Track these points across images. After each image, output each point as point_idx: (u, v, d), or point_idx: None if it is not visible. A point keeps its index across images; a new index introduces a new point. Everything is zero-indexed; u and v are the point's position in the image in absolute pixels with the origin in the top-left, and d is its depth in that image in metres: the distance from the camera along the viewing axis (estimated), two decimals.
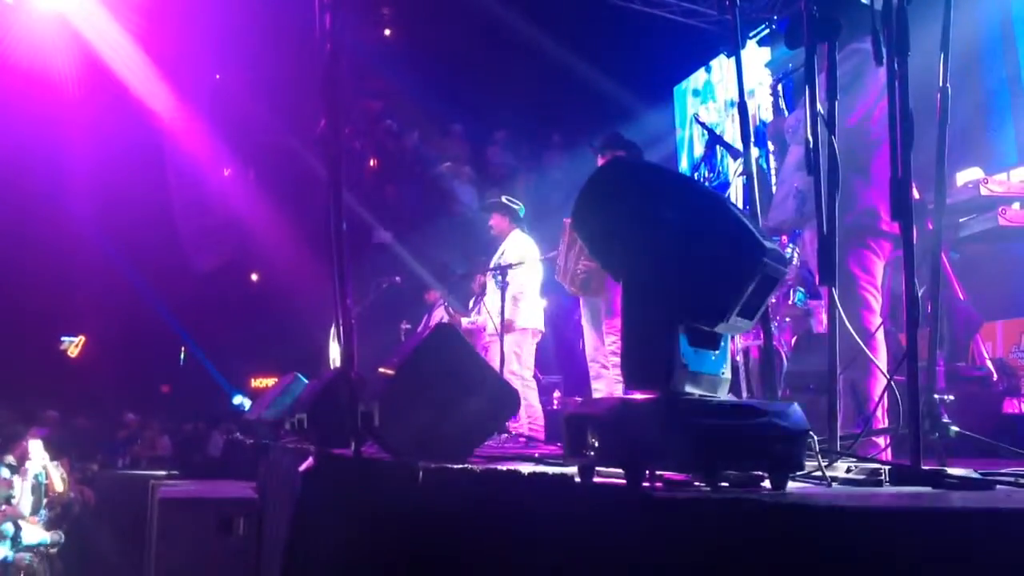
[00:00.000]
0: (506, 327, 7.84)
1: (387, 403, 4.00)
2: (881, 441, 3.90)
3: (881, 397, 3.87)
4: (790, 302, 7.34)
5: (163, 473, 7.33)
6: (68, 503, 9.55)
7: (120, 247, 13.17)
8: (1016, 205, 6.26)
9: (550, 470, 2.56)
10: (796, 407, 2.32)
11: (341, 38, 4.40)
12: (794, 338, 7.09)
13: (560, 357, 12.13)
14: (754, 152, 4.79)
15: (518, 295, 7.97)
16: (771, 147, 5.26)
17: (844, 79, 4.01)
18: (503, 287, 7.73)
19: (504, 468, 2.80)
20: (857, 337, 3.84)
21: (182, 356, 15.26)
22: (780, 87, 5.05)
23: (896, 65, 3.06)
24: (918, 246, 4.18)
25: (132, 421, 13.19)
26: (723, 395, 2.68)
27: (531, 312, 8.04)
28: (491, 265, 8.37)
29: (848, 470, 2.70)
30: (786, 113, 4.75)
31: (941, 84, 3.30)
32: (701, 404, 2.27)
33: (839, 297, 3.35)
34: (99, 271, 13.18)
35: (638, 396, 2.37)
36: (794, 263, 7.32)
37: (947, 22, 3.30)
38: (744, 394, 7.11)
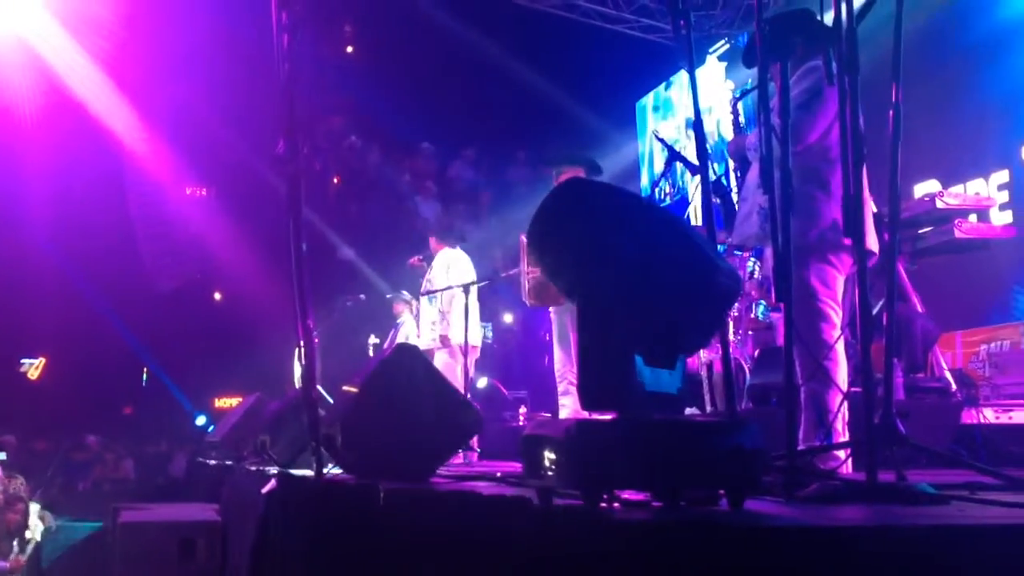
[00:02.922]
0: (442, 343, 8.05)
1: (348, 424, 3.99)
2: (841, 454, 3.93)
3: (839, 409, 3.90)
4: (752, 315, 7.39)
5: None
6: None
7: (81, 268, 13.03)
8: (972, 217, 6.36)
9: (509, 492, 2.56)
10: (754, 425, 2.33)
11: (300, 58, 4.39)
12: (756, 351, 7.13)
13: (527, 373, 12.14)
14: (716, 168, 4.84)
15: (446, 311, 8.06)
16: (731, 164, 5.30)
17: (802, 97, 4.06)
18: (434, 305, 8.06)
19: (464, 489, 2.79)
20: (814, 351, 3.89)
21: (144, 377, 15.10)
22: (740, 105, 5.08)
23: (847, 83, 3.11)
24: (879, 259, 4.24)
25: (94, 443, 13.03)
26: (681, 413, 2.70)
27: (460, 329, 8.01)
28: (423, 283, 8.52)
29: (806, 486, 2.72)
30: (748, 131, 4.79)
31: (893, 101, 3.34)
32: (658, 425, 2.28)
33: (800, 311, 3.38)
34: (59, 292, 13.02)
35: (596, 417, 2.37)
36: (756, 277, 7.37)
37: (898, 39, 3.34)
38: (708, 407, 7.14)
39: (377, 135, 15.99)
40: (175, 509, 6.29)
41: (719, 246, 6.23)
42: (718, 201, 5.77)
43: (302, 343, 4.05)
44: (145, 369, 15.07)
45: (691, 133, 3.64)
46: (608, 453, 2.15)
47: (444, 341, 8.06)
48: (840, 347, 4.17)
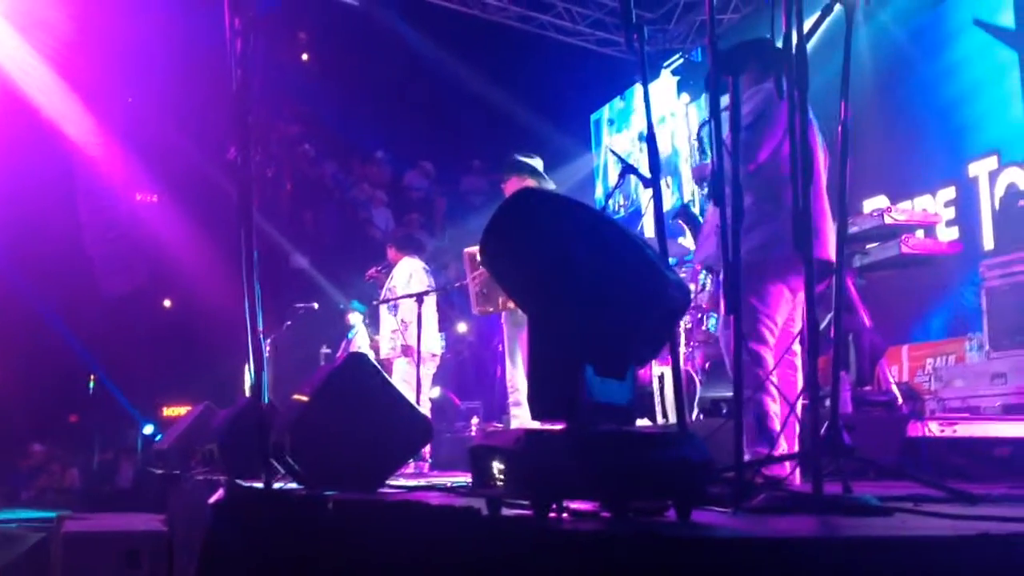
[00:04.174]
0: (402, 352, 8.06)
1: (298, 433, 3.96)
2: (788, 465, 3.97)
3: (785, 422, 3.94)
4: (704, 328, 7.45)
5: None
6: None
7: (26, 272, 12.80)
8: (919, 233, 6.46)
9: (458, 502, 2.56)
10: (700, 437, 2.35)
11: (253, 64, 4.36)
12: (707, 363, 7.19)
13: (479, 383, 12.13)
14: (669, 182, 4.87)
15: (408, 321, 8.06)
16: (698, 190, 5.38)
17: (749, 117, 4.11)
18: (395, 314, 8.07)
19: (413, 500, 2.78)
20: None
21: (91, 384, 14.85)
22: (704, 132, 5.13)
23: (796, 99, 3.15)
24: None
25: (38, 452, 12.80)
26: (631, 424, 2.71)
27: (422, 338, 8.02)
28: (383, 292, 8.52)
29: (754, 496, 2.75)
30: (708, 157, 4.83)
31: (842, 118, 3.39)
32: (607, 436, 2.29)
33: (742, 324, 3.41)
34: (3, 297, 12.78)
35: (545, 428, 2.38)
36: (708, 290, 7.43)
37: (847, 55, 3.39)
38: (659, 419, 7.19)
39: (331, 143, 15.92)
40: (121, 519, 6.20)
41: (671, 259, 6.31)
42: (683, 223, 5.83)
43: (252, 352, 4.01)
44: (92, 376, 14.82)
45: (644, 146, 3.67)
46: (557, 464, 2.16)
47: (407, 351, 8.04)
48: (797, 362, 4.23)
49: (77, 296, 13.30)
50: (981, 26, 8.09)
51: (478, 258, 6.84)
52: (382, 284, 8.80)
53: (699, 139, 5.10)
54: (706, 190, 4.84)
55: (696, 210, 5.33)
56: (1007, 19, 8.13)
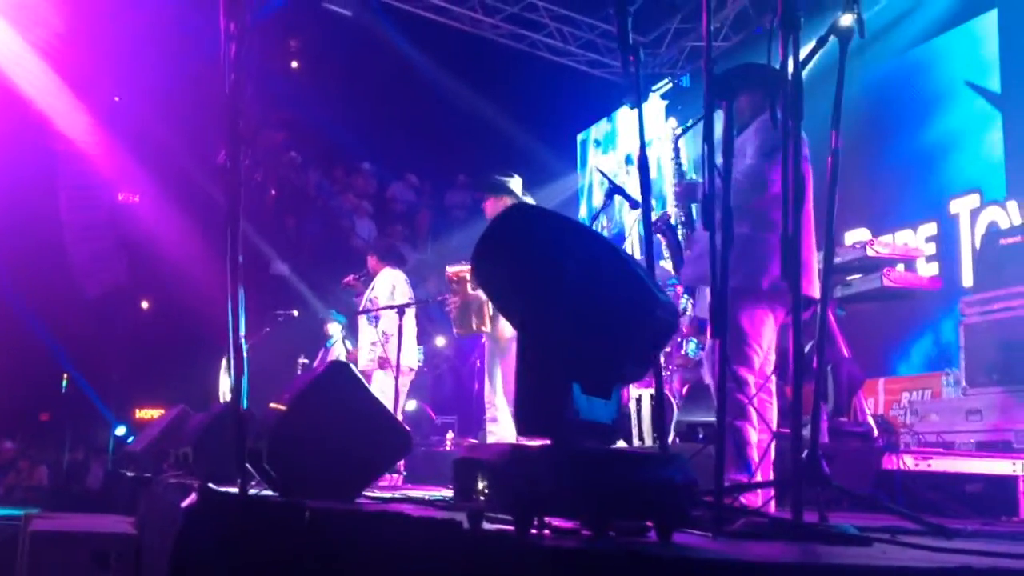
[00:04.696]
0: (380, 364, 8.00)
1: (276, 440, 3.94)
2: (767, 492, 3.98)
3: (766, 450, 3.95)
4: (682, 352, 7.46)
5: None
6: None
7: (3, 267, 12.69)
8: (900, 267, 6.51)
9: (439, 514, 2.55)
10: (684, 459, 2.35)
11: (246, 69, 4.35)
12: (685, 388, 7.20)
13: (456, 398, 12.11)
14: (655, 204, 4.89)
15: (390, 333, 8.04)
16: (674, 209, 5.38)
17: (767, 145, 4.12)
18: (375, 325, 8.06)
19: (393, 511, 2.77)
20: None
21: (64, 383, 14.72)
22: (682, 143, 5.15)
23: (790, 128, 3.18)
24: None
25: (8, 449, 12.68)
26: (613, 443, 2.71)
27: (403, 350, 7.99)
28: (362, 303, 8.48)
29: (733, 521, 2.75)
30: (687, 170, 4.85)
31: (832, 148, 3.41)
32: (591, 454, 2.29)
33: (727, 349, 3.42)
34: None
35: (530, 443, 2.37)
36: (688, 314, 7.44)
37: (840, 86, 3.42)
38: (636, 441, 7.18)
39: (317, 151, 15.90)
40: (89, 520, 6.14)
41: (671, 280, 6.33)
42: (661, 239, 5.84)
43: (233, 356, 3.99)
44: (65, 375, 14.69)
45: (631, 168, 3.69)
46: (540, 479, 2.15)
47: (385, 363, 8.02)
48: (772, 388, 4.24)
49: (54, 294, 13.19)
50: (972, 87, 8.23)
51: (455, 280, 6.87)
52: (359, 292, 8.76)
53: (675, 150, 5.11)
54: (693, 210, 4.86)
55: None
56: (993, 79, 8.26)
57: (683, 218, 5.05)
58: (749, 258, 3.99)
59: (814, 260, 4.25)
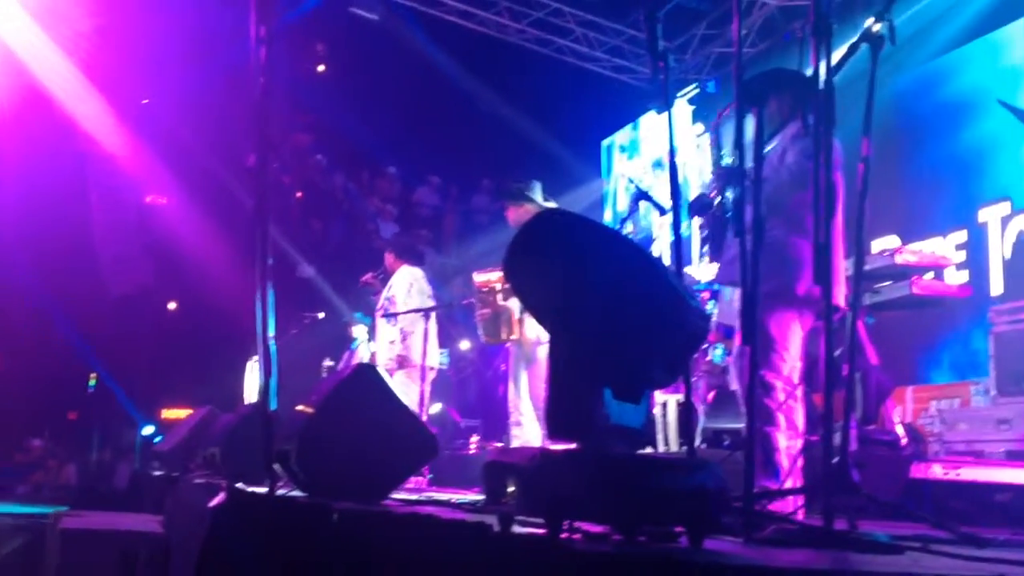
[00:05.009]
0: (399, 363, 7.95)
1: (305, 441, 3.96)
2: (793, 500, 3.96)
3: (796, 456, 3.94)
4: (708, 358, 7.44)
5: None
6: None
7: (33, 267, 12.80)
8: (929, 275, 6.46)
9: (469, 517, 2.55)
10: (716, 465, 2.35)
11: (275, 73, 4.38)
12: (711, 394, 7.18)
13: (481, 401, 12.11)
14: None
15: (408, 332, 8.02)
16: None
17: (812, 148, 4.11)
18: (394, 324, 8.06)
19: (422, 513, 2.78)
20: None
21: (92, 382, 14.84)
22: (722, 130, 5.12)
23: (821, 135, 3.17)
24: (841, 311, 4.30)
25: (36, 448, 12.78)
26: (642, 448, 2.71)
27: (421, 351, 7.96)
28: (380, 301, 8.42)
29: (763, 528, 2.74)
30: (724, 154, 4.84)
31: (863, 155, 3.40)
32: (622, 459, 2.29)
33: (758, 355, 3.42)
34: (9, 291, 12.78)
35: (560, 447, 2.38)
36: (714, 320, 7.43)
37: (871, 92, 3.41)
38: (661, 447, 7.17)
39: (343, 155, 15.96)
40: (117, 519, 6.18)
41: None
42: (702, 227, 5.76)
43: (262, 358, 4.02)
44: (93, 375, 14.80)
45: (659, 173, 3.69)
46: (572, 484, 2.16)
47: (403, 362, 8.00)
48: (798, 394, 4.23)
49: (83, 294, 13.30)
50: (1004, 106, 8.17)
51: (485, 290, 6.85)
52: (377, 291, 8.72)
53: (715, 134, 5.07)
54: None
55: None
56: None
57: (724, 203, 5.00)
58: (783, 263, 3.98)
59: (842, 268, 4.23)
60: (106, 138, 13.13)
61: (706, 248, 5.88)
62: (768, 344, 4.04)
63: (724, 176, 4.76)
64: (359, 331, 10.58)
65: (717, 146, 4.86)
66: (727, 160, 4.69)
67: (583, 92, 13.75)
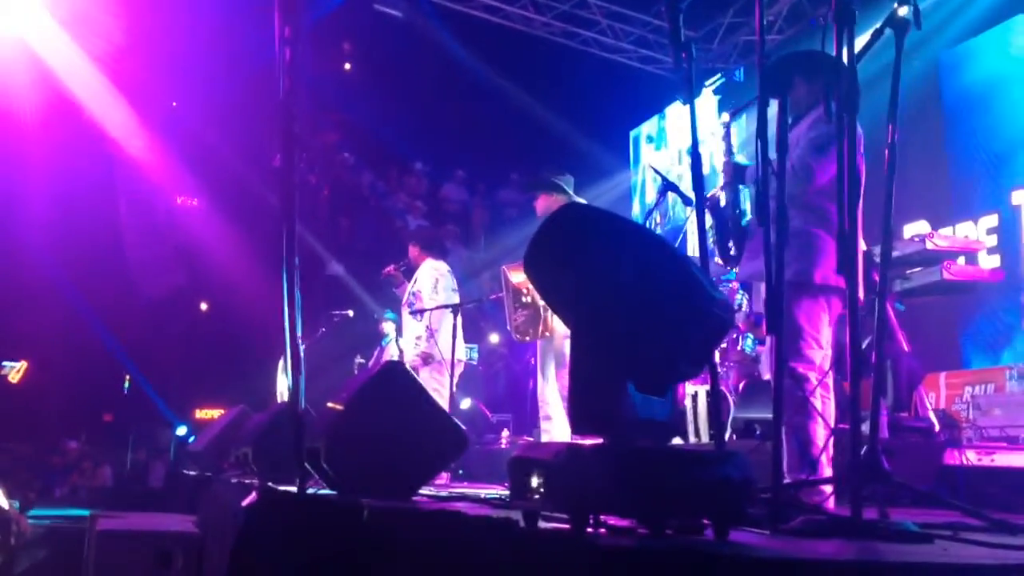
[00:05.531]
0: (424, 359, 7.94)
1: (334, 440, 3.98)
2: (827, 488, 3.94)
3: (825, 445, 3.91)
4: (739, 348, 7.41)
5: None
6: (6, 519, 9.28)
7: (67, 272, 12.94)
8: (961, 260, 6.40)
9: (495, 513, 2.56)
10: (742, 456, 2.34)
11: (300, 73, 4.40)
12: (742, 383, 7.15)
13: (511, 396, 12.12)
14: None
15: (434, 328, 7.99)
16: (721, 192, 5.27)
17: (820, 140, 4.08)
18: (420, 319, 7.96)
19: (449, 509, 2.79)
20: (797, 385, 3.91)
21: (126, 384, 15.00)
22: (734, 128, 5.09)
23: (844, 122, 3.14)
24: (867, 297, 4.27)
25: (73, 449, 12.94)
26: (669, 441, 2.70)
27: (448, 347, 7.94)
28: (405, 296, 8.41)
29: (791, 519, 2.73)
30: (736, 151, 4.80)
31: (889, 141, 3.37)
32: (647, 452, 2.29)
33: (785, 346, 3.40)
34: (43, 295, 12.94)
35: (585, 442, 2.37)
36: (743, 310, 7.40)
37: (896, 80, 3.38)
38: (692, 438, 7.15)
39: (370, 152, 16.01)
40: (153, 519, 6.24)
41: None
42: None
43: (291, 357, 4.04)
44: (127, 376, 14.96)
45: (686, 163, 3.67)
46: (596, 478, 2.15)
47: (430, 358, 7.99)
48: (828, 383, 4.19)
49: (115, 297, 13.44)
50: None
51: (525, 291, 6.82)
52: (400, 283, 8.69)
53: (727, 132, 5.04)
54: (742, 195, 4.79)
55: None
56: None
57: (732, 200, 4.96)
58: (800, 252, 3.96)
59: (859, 256, 4.18)
60: (134, 142, 13.25)
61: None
62: (795, 333, 4.01)
63: (729, 173, 4.74)
64: (389, 328, 10.60)
65: (728, 142, 4.84)
66: (738, 158, 4.67)
67: (610, 83, 13.72)
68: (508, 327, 7.10)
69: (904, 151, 3.39)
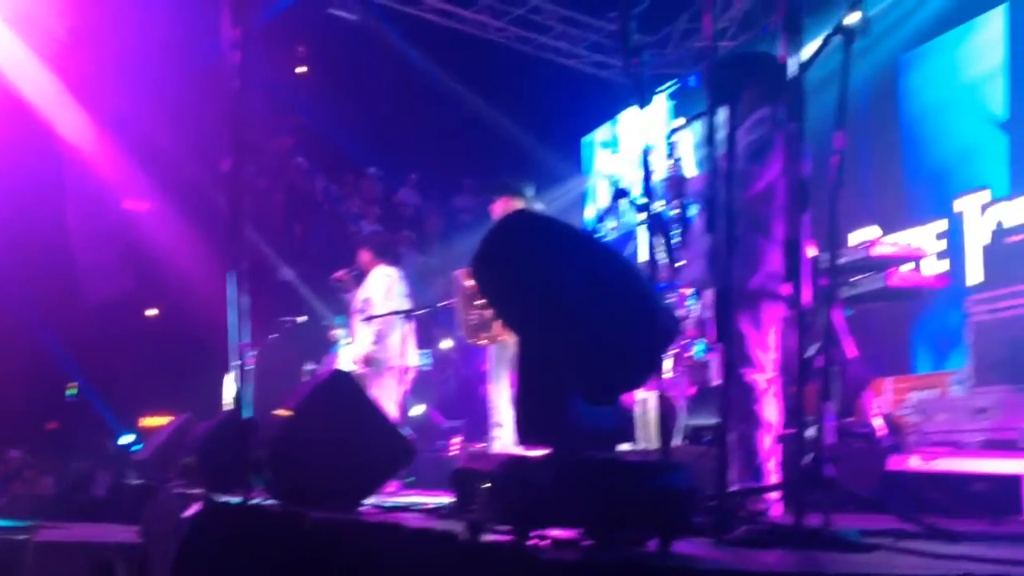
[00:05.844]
0: (366, 362, 7.95)
1: (279, 449, 3.94)
2: (774, 495, 3.95)
3: (771, 452, 3.93)
4: (689, 354, 7.43)
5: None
6: None
7: (9, 274, 12.71)
8: (906, 266, 6.47)
9: (439, 524, 2.53)
10: (686, 466, 2.33)
11: (251, 76, 4.35)
12: (692, 390, 7.17)
13: (463, 402, 12.07)
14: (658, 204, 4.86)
15: (385, 334, 7.95)
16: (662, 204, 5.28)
17: (753, 147, 4.10)
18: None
19: (393, 520, 2.76)
20: (743, 393, 3.93)
21: (71, 391, 14.75)
22: (676, 138, 5.12)
23: (793, 130, 3.16)
24: (813, 304, 4.30)
25: (15, 458, 12.67)
26: (616, 450, 2.69)
27: (398, 353, 7.90)
28: (356, 302, 8.33)
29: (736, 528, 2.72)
30: (687, 169, 4.83)
31: (837, 149, 3.39)
32: (591, 463, 2.27)
33: (731, 354, 3.41)
34: None
35: (531, 452, 2.36)
36: (693, 316, 7.42)
37: (844, 85, 3.40)
38: (642, 444, 7.16)
39: (325, 157, 15.90)
40: (95, 529, 6.13)
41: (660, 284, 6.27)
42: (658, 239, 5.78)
43: (237, 364, 3.99)
44: (72, 383, 14.71)
45: (638, 170, 3.67)
46: (540, 490, 2.14)
47: (381, 364, 7.93)
48: (772, 391, 4.22)
49: (60, 301, 13.21)
50: (979, 83, 8.21)
51: (469, 286, 6.80)
52: (349, 289, 8.63)
53: (669, 145, 5.07)
54: (693, 208, 4.81)
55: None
56: (1000, 75, 8.22)
57: (678, 213, 4.99)
58: (736, 259, 3.97)
59: (806, 263, 4.21)
60: (83, 144, 13.05)
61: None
62: (740, 341, 4.03)
63: (670, 186, 4.76)
64: (340, 334, 10.51)
65: (671, 156, 4.86)
66: (683, 170, 4.71)
67: (564, 89, 13.74)
68: (460, 332, 7.07)
69: (861, 155, 3.43)
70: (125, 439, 13.75)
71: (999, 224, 7.79)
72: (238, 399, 3.90)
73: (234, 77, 4.24)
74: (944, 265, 8.24)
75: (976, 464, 5.40)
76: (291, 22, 13.55)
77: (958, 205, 8.32)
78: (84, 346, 13.52)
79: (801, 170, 3.25)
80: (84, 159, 13.28)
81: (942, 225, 8.50)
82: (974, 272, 7.93)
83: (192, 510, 4.05)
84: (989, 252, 7.28)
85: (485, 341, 6.88)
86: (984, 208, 8.09)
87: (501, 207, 6.71)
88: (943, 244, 8.39)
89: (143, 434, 12.98)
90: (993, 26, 8.39)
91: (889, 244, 6.50)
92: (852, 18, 3.43)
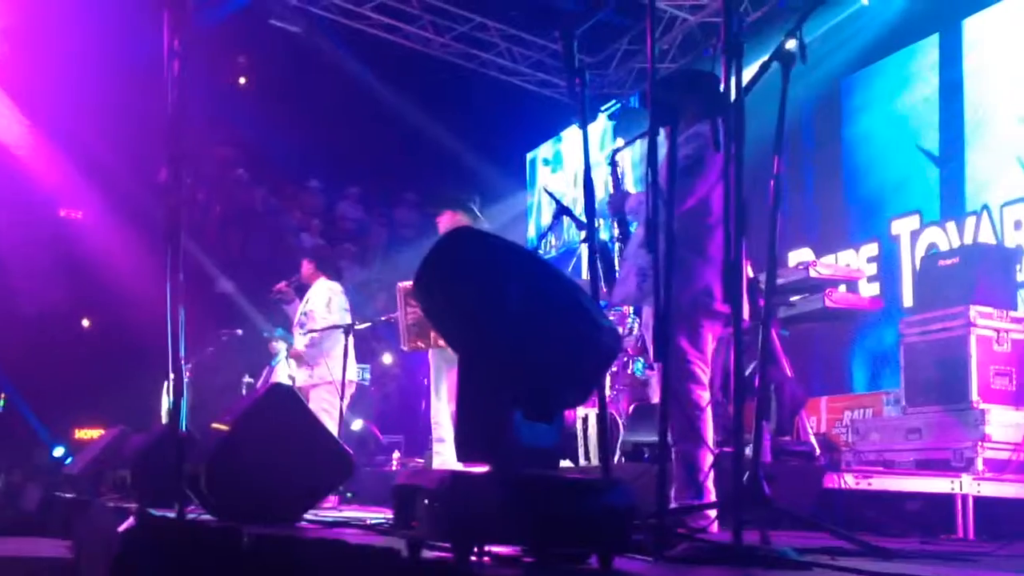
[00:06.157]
0: (318, 380, 7.89)
1: (215, 463, 3.88)
2: (713, 513, 3.99)
3: (710, 469, 3.97)
4: (629, 371, 7.48)
5: None
6: None
7: None
8: (842, 288, 6.59)
9: (378, 541, 2.51)
10: (626, 484, 2.35)
11: (191, 86, 4.30)
12: (631, 407, 7.21)
13: (403, 417, 12.02)
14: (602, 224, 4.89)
15: (327, 348, 7.92)
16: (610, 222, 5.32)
17: (684, 162, 4.14)
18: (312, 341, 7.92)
19: (332, 536, 2.73)
20: (685, 410, 3.97)
21: (0, 403, 14.40)
22: (618, 157, 5.16)
23: (732, 150, 3.20)
24: (751, 323, 4.35)
25: None
26: (556, 467, 2.69)
27: (338, 368, 7.85)
28: (296, 315, 8.29)
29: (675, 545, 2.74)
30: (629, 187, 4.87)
31: (775, 172, 3.44)
32: (532, 480, 2.28)
33: (671, 371, 3.44)
34: None
35: (470, 469, 2.35)
36: (634, 334, 7.47)
37: (782, 111, 3.45)
38: (582, 461, 7.18)
39: (265, 169, 15.76)
40: (24, 544, 5.98)
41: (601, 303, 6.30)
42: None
43: (172, 377, 3.93)
44: (1, 395, 14.36)
45: (580, 188, 3.69)
46: (480, 507, 2.13)
47: (321, 378, 7.88)
48: (709, 408, 4.26)
49: None
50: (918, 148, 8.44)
51: (411, 293, 6.77)
52: (290, 301, 8.57)
53: (612, 164, 5.10)
54: (633, 226, 4.85)
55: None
56: (933, 100, 8.43)
57: (619, 235, 5.02)
58: (674, 277, 4.01)
59: (744, 283, 4.26)
60: (17, 150, 12.79)
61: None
62: (679, 356, 4.06)
63: (613, 203, 4.79)
64: (280, 347, 10.41)
65: (613, 175, 4.90)
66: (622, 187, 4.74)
67: (507, 106, 13.80)
68: (401, 342, 7.04)
69: (804, 176, 3.47)
70: (57, 452, 13.45)
71: (929, 248, 7.98)
72: (174, 412, 3.83)
73: (173, 86, 4.18)
74: (876, 288, 8.41)
75: (909, 483, 5.51)
76: (232, 32, 13.43)
77: (894, 228, 8.49)
78: (15, 357, 13.21)
79: (740, 191, 3.29)
80: (18, 166, 13.02)
81: (873, 249, 8.67)
82: (907, 295, 8.10)
83: (126, 525, 3.97)
84: (919, 276, 7.44)
85: (422, 346, 6.86)
86: (916, 233, 8.27)
87: (447, 221, 6.69)
88: (874, 267, 8.55)
89: (76, 447, 12.71)
90: (930, 54, 8.59)
91: (827, 266, 6.64)
92: (790, 44, 3.49)
